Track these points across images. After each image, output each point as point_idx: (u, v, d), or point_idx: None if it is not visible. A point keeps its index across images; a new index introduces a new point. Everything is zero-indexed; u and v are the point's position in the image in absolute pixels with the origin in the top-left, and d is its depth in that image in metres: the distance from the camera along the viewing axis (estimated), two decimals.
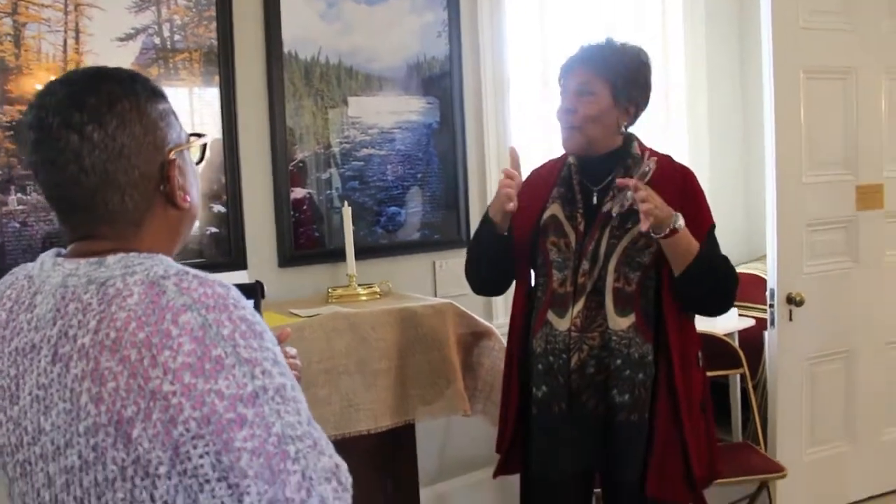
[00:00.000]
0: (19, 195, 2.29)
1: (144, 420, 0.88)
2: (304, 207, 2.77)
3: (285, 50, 2.67)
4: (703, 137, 3.80)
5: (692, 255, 1.85)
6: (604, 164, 1.99)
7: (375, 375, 2.29)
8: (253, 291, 1.35)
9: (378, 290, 2.65)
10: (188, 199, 1.05)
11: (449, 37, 3.01)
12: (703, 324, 3.27)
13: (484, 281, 2.13)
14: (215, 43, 2.55)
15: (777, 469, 2.74)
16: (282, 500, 0.89)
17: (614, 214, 1.88)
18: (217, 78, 2.55)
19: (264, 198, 2.69)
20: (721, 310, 2.07)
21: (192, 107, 2.53)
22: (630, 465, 1.90)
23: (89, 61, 2.35)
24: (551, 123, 3.23)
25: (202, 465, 0.88)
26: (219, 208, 2.60)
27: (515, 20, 3.22)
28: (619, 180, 1.87)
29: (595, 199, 1.99)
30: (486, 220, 1.99)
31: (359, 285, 2.64)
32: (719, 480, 2.63)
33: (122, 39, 2.40)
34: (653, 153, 2.00)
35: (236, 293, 0.95)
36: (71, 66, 2.33)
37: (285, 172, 2.71)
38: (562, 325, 1.94)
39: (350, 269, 2.64)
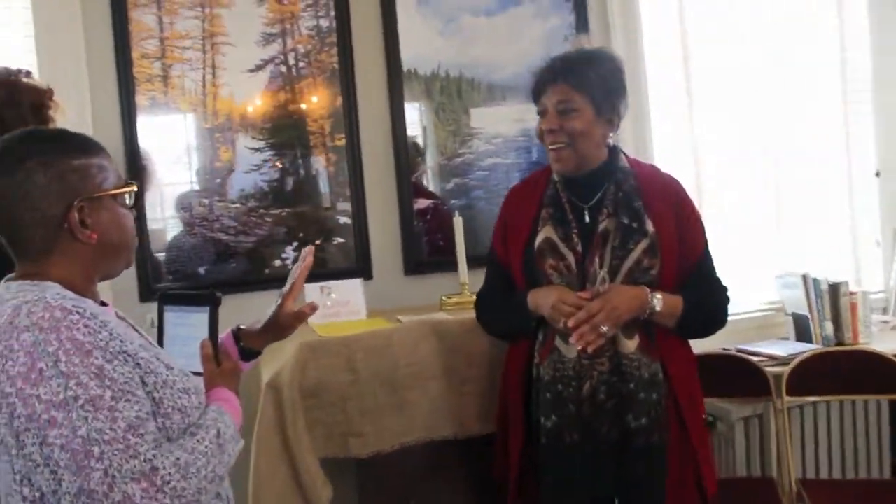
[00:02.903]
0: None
1: (10, 409, 1.13)
2: (429, 217, 2.88)
3: (405, 68, 2.81)
4: None
5: (679, 313, 1.86)
6: (592, 180, 1.92)
7: (463, 382, 2.33)
8: (208, 300, 1.51)
9: None
10: (94, 236, 1.26)
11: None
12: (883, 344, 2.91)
13: (503, 337, 2.15)
14: (337, 67, 2.75)
15: None
16: (87, 490, 1.11)
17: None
18: (339, 99, 2.75)
19: (389, 209, 2.84)
20: (713, 333, 2.00)
21: (306, 127, 2.75)
22: (655, 489, 1.84)
23: (224, 93, 2.66)
24: (695, 127, 3.09)
25: (33, 453, 1.13)
26: (344, 220, 2.80)
27: (652, 19, 3.06)
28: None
29: (587, 217, 1.92)
30: (526, 308, 1.92)
31: (473, 293, 2.69)
32: None
33: (252, 71, 2.68)
34: (640, 164, 1.96)
35: (77, 318, 1.16)
36: (209, 99, 2.65)
37: (408, 184, 2.84)
38: (570, 352, 1.87)
39: (462, 278, 2.70)
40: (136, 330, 1.45)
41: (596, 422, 1.84)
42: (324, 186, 2.78)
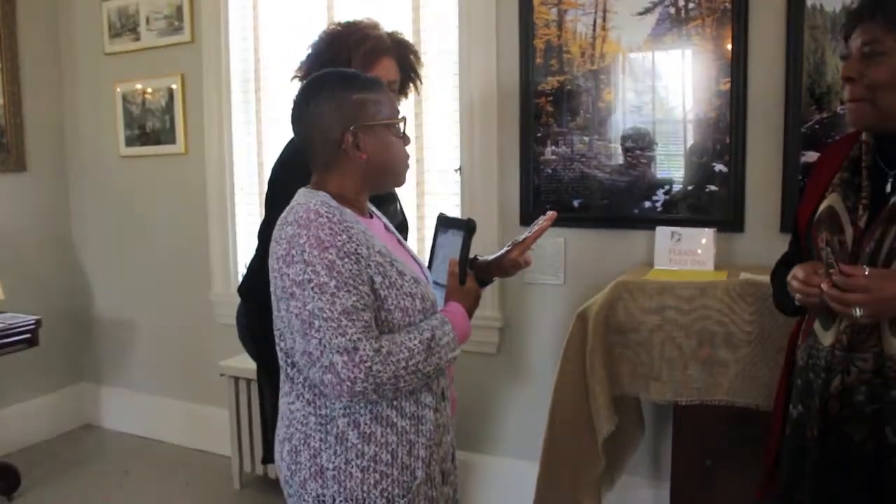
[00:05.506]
0: (553, 147, 2.91)
1: (275, 280, 1.51)
2: None
3: (808, 3, 2.53)
4: None
5: None
6: None
7: (778, 351, 2.13)
8: (464, 226, 1.71)
9: None
10: (363, 156, 1.56)
11: None
12: None
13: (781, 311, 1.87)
14: (729, 6, 2.61)
15: None
16: (307, 352, 1.45)
17: None
18: (728, 41, 2.62)
19: (772, 160, 2.64)
20: None
21: (692, 70, 2.69)
22: None
23: (612, 36, 2.77)
24: None
25: (283, 317, 1.51)
26: (720, 167, 2.70)
27: None
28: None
29: (890, 187, 1.52)
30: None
31: None
32: None
33: (640, 14, 2.73)
34: None
35: (324, 221, 1.45)
36: (598, 42, 2.79)
37: (797, 135, 2.59)
38: (826, 338, 1.58)
39: None
40: (402, 244, 1.75)
41: (848, 425, 1.56)
42: (704, 131, 2.71)
